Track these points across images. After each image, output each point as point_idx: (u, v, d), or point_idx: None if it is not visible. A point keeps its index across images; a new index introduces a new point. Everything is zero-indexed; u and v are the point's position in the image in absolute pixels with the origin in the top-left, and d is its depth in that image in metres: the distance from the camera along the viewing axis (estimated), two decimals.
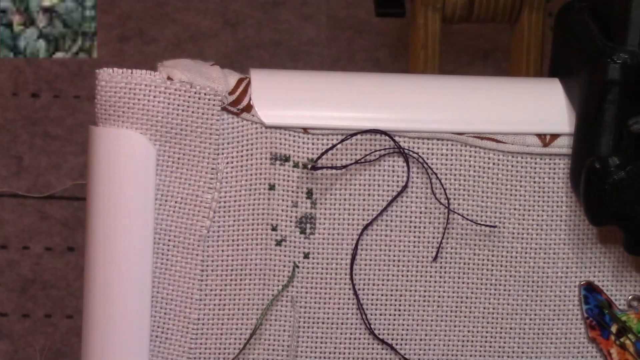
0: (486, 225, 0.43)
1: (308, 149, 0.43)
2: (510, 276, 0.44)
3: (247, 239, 0.43)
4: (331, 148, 0.42)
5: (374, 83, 0.45)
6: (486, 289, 0.44)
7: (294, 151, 0.43)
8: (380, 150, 0.43)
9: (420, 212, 0.44)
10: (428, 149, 0.44)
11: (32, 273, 0.92)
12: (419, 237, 0.44)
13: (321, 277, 0.44)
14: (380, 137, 0.43)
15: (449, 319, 0.44)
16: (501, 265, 0.44)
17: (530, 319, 0.44)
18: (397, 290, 0.44)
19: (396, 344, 0.44)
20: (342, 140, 0.43)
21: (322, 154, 0.42)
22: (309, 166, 0.43)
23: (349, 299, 0.44)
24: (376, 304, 0.44)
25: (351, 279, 0.44)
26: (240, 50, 1.13)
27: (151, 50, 1.10)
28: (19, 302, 0.92)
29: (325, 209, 0.43)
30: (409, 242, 0.44)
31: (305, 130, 0.43)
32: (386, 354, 0.44)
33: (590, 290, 0.44)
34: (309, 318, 0.44)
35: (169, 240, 0.43)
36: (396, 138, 0.43)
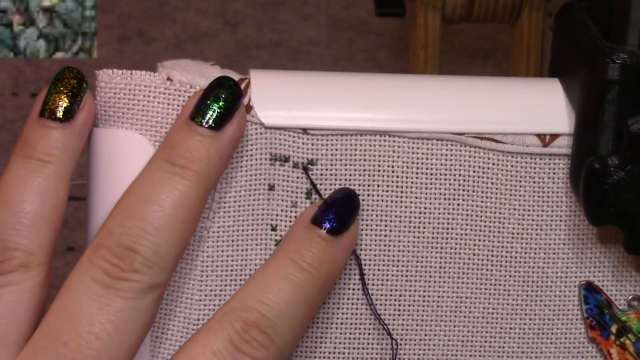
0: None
1: (308, 149, 0.43)
2: (510, 276, 0.44)
3: (247, 239, 0.43)
4: None
5: (374, 83, 0.45)
6: (486, 289, 0.44)
7: (293, 152, 0.43)
8: (379, 150, 0.43)
9: (420, 212, 0.44)
10: (428, 149, 0.44)
11: None
12: (419, 237, 0.44)
13: None
14: (380, 138, 0.43)
15: (448, 319, 0.44)
16: (501, 265, 0.44)
17: (530, 319, 0.44)
18: (396, 290, 0.44)
19: (396, 344, 0.44)
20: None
21: None
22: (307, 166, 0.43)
23: (348, 298, 0.44)
24: (376, 304, 0.44)
25: (360, 280, 0.44)
26: (240, 50, 1.13)
27: (151, 50, 1.10)
28: None
29: None
30: (409, 242, 0.44)
31: (305, 131, 0.43)
32: (385, 353, 0.44)
33: (590, 290, 0.44)
34: None
35: None
36: (396, 138, 0.43)
